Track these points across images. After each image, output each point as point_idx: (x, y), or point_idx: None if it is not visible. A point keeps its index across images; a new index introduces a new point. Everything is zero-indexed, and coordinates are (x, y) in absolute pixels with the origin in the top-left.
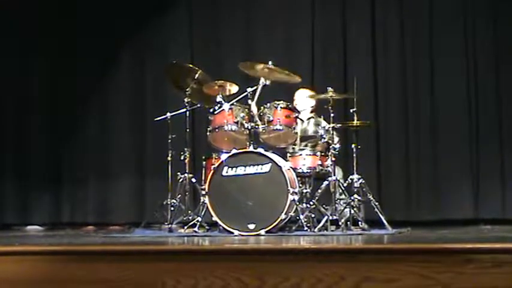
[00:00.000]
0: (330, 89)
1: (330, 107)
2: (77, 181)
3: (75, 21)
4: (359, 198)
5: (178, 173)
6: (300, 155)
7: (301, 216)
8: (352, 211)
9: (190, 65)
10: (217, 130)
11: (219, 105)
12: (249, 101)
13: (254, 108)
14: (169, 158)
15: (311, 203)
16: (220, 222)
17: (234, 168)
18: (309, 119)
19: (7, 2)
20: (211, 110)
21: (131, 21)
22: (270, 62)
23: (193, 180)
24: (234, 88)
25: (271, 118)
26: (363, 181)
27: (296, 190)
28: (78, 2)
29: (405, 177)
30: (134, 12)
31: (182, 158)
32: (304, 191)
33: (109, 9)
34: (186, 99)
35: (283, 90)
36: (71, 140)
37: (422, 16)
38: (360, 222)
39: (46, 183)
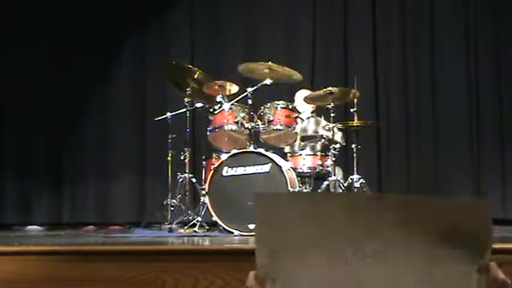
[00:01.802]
0: (330, 89)
1: (330, 107)
2: (77, 181)
3: (75, 21)
4: None
5: (179, 173)
6: (300, 155)
7: None
8: None
9: (190, 65)
10: (217, 130)
11: (219, 105)
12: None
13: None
14: (169, 158)
15: None
16: (220, 222)
17: (234, 168)
18: (308, 118)
19: (7, 2)
20: (211, 110)
21: (131, 21)
22: (269, 62)
23: (194, 180)
24: (234, 88)
25: (271, 118)
26: (363, 181)
27: (296, 190)
28: (78, 2)
29: (406, 177)
30: (134, 12)
31: (182, 157)
32: (305, 191)
33: (109, 9)
34: (186, 99)
35: (284, 90)
36: (71, 140)
37: (423, 16)
38: None
39: (46, 183)
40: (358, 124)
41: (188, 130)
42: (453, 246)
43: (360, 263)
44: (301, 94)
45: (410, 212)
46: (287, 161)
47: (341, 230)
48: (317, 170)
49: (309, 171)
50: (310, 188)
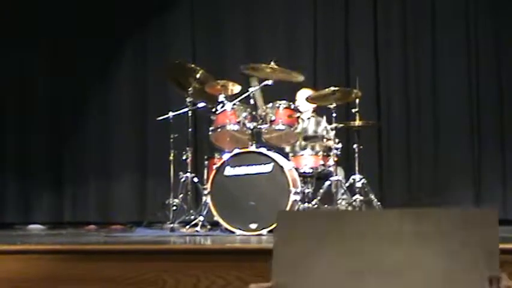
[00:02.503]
0: (332, 89)
1: (332, 107)
2: (78, 180)
3: (75, 21)
4: (361, 198)
5: (181, 173)
6: (302, 155)
7: None
8: None
9: (192, 65)
10: (219, 130)
11: (221, 104)
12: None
13: (259, 100)
14: (171, 158)
15: (313, 203)
16: (222, 222)
17: (236, 168)
18: (309, 118)
19: (7, 2)
20: (213, 110)
21: (131, 21)
22: (272, 62)
23: (196, 179)
24: (236, 88)
25: (273, 118)
26: (365, 181)
27: (298, 190)
28: (78, 2)
29: (407, 177)
30: (134, 12)
31: (184, 157)
32: (306, 191)
33: (109, 9)
34: (188, 99)
35: (285, 90)
36: (71, 140)
37: (424, 16)
38: None
39: (48, 182)
40: (360, 124)
41: (190, 130)
42: (466, 258)
43: (377, 279)
44: (302, 93)
45: (427, 227)
46: (289, 160)
47: (357, 248)
48: (319, 170)
49: (311, 171)
50: (312, 188)
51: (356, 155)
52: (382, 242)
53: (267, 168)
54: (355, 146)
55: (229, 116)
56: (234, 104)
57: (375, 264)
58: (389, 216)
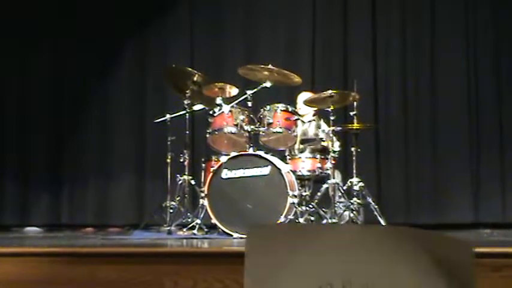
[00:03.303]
0: (330, 91)
1: (330, 110)
2: (76, 182)
3: (75, 21)
4: (358, 201)
5: (178, 175)
6: (300, 157)
7: (301, 219)
8: (352, 214)
9: (189, 68)
10: (216, 132)
11: (218, 107)
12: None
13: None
14: (168, 160)
15: (310, 206)
16: (219, 225)
17: (234, 171)
18: (310, 121)
19: (7, 2)
20: (211, 112)
21: (131, 22)
22: (269, 65)
23: (193, 182)
24: (234, 90)
25: (270, 121)
26: (363, 184)
27: (295, 193)
28: (78, 2)
29: (405, 180)
30: (134, 13)
31: (181, 160)
32: (304, 193)
33: (109, 9)
34: (185, 101)
35: (284, 92)
36: (70, 141)
37: (423, 17)
38: None
39: (45, 184)
40: (358, 127)
41: (187, 132)
42: (438, 280)
43: None
44: (303, 97)
45: (399, 244)
46: (286, 163)
47: (330, 264)
48: (316, 173)
49: (309, 174)
50: (310, 191)
51: (354, 158)
52: (354, 256)
53: (265, 171)
54: (352, 149)
55: (227, 119)
56: (232, 107)
57: (346, 280)
58: (363, 231)
